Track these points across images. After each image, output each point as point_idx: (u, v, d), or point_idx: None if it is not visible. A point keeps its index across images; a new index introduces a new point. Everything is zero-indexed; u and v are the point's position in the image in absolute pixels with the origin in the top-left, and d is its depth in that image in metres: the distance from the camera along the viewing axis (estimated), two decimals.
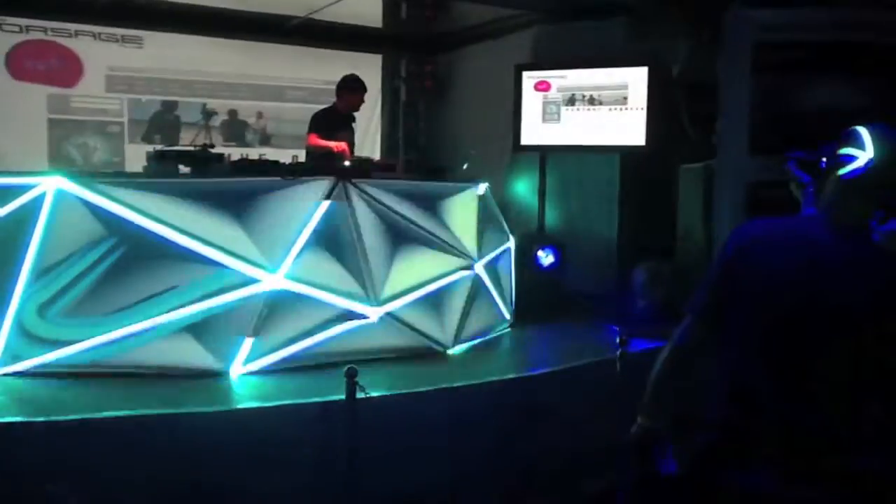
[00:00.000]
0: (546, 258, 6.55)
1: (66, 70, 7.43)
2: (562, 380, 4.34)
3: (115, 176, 4.38)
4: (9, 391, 3.89)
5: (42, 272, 4.12)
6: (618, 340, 4.00)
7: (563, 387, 4.32)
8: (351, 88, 6.10)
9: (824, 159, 2.00)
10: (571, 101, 6.82)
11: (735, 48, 5.84)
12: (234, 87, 8.08)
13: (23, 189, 4.23)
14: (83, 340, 4.10)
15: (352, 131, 6.20)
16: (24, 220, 4.17)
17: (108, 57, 7.57)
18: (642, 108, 6.57)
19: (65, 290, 4.12)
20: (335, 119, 6.06)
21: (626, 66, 6.64)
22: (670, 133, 6.59)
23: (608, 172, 7.01)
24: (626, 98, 6.65)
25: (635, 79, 6.61)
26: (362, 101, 6.19)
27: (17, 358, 4.09)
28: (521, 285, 6.05)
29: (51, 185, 4.19)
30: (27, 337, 4.10)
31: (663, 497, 2.20)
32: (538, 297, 6.28)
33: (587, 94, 6.78)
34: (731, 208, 5.90)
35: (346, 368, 3.33)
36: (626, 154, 6.83)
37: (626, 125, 6.65)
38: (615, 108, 6.70)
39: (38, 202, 4.18)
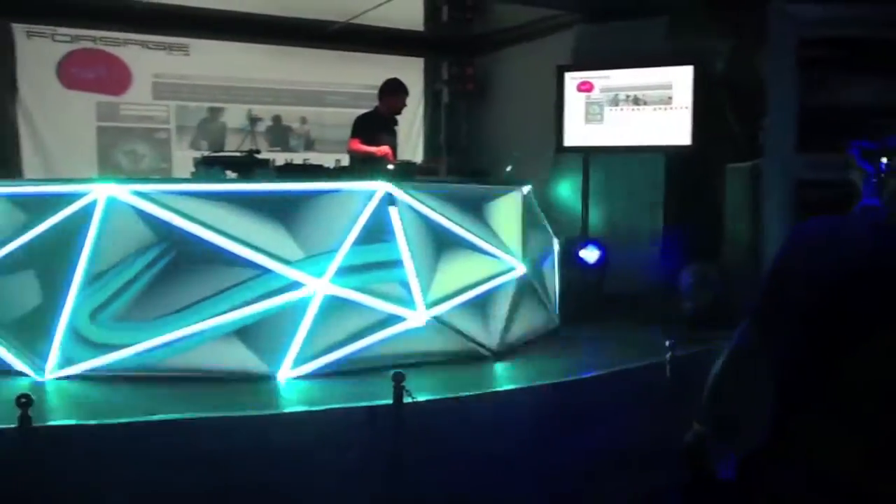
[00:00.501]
0: (590, 255, 6.49)
1: (114, 78, 7.57)
2: (610, 383, 4.28)
3: (163, 182, 4.42)
4: (62, 394, 3.98)
5: (94, 278, 4.20)
6: (667, 344, 3.95)
7: (611, 391, 4.27)
8: (392, 91, 6.12)
9: (884, 161, 1.94)
10: (615, 102, 6.76)
11: (779, 45, 5.73)
12: (277, 93, 8.17)
13: (75, 196, 4.33)
14: (134, 345, 4.17)
15: (394, 134, 6.22)
16: (76, 226, 4.27)
17: (155, 65, 7.70)
18: (687, 108, 6.49)
19: (116, 296, 4.20)
20: (377, 123, 6.08)
21: (670, 65, 6.56)
22: (716, 132, 6.50)
23: (653, 173, 6.93)
24: (670, 97, 6.57)
25: (680, 78, 6.53)
26: (404, 104, 6.20)
27: (70, 362, 4.17)
28: (566, 287, 6.00)
29: (102, 192, 4.28)
30: (80, 341, 4.18)
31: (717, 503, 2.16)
32: (583, 300, 6.24)
33: (631, 94, 6.71)
34: (779, 208, 5.79)
35: (392, 373, 3.33)
36: (671, 154, 6.74)
37: (671, 125, 6.57)
38: (660, 108, 6.62)
39: (89, 209, 4.27)
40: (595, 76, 6.83)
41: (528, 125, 7.80)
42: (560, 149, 7.08)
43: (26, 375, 4.20)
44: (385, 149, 5.77)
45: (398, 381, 3.29)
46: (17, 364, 4.26)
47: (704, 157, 6.52)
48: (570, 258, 6.51)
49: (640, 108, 6.70)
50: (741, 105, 6.48)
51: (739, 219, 6.27)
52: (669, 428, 3.91)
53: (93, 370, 4.16)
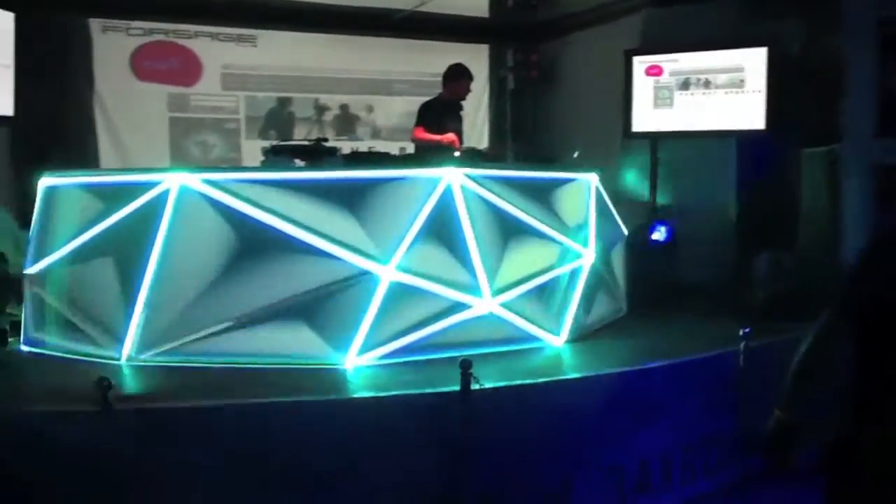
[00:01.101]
0: (659, 234, 6.40)
1: (186, 70, 7.73)
2: (679, 373, 4.20)
3: (233, 171, 4.49)
4: (138, 378, 4.08)
5: (167, 265, 4.29)
6: (741, 333, 3.85)
7: (681, 380, 4.18)
8: (456, 77, 6.08)
9: None
10: (685, 86, 6.62)
11: (857, 25, 5.52)
12: (344, 82, 8.23)
13: (149, 186, 4.43)
14: (205, 330, 4.24)
15: (460, 120, 6.19)
16: (150, 214, 4.36)
17: (224, 56, 7.83)
18: (760, 91, 6.32)
19: (188, 282, 4.29)
20: (442, 109, 6.06)
21: (742, 47, 6.39)
22: (790, 116, 6.30)
23: (725, 158, 6.77)
24: (742, 81, 6.40)
25: (753, 60, 6.35)
26: (468, 89, 6.16)
27: (145, 346, 4.28)
28: (635, 276, 5.91)
29: (175, 181, 4.37)
30: (154, 327, 4.28)
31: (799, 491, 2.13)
32: (652, 288, 6.13)
33: (702, 77, 6.56)
34: (859, 193, 5.60)
35: (460, 360, 3.32)
36: (743, 139, 6.57)
37: (744, 109, 6.40)
38: (731, 92, 6.47)
39: (163, 197, 4.36)
40: (664, 60, 6.69)
41: (594, 111, 7.70)
42: (628, 134, 6.96)
43: (104, 359, 4.33)
44: (450, 136, 5.75)
45: (465, 368, 3.29)
46: (95, 348, 4.39)
47: (778, 141, 6.34)
48: (638, 245, 6.41)
49: (710, 91, 6.55)
50: (817, 88, 6.26)
51: (816, 205, 6.08)
52: (742, 419, 3.86)
53: (165, 355, 4.26)
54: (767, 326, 4.60)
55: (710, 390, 4.12)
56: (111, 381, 2.99)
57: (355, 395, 3.83)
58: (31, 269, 4.71)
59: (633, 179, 7.31)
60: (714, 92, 6.54)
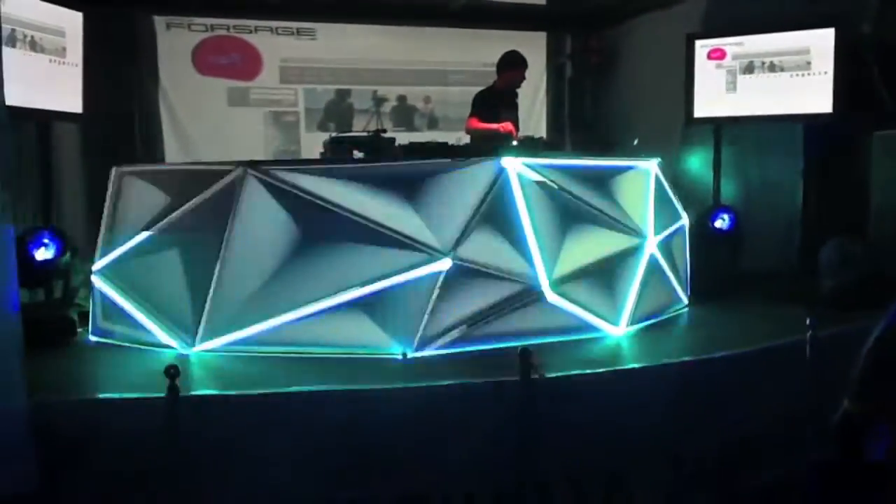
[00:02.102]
0: (723, 222, 6.28)
1: (246, 64, 7.85)
2: (743, 363, 4.11)
3: (294, 163, 4.56)
4: (205, 367, 4.18)
5: (231, 256, 4.38)
6: (808, 322, 3.76)
7: (745, 370, 4.10)
8: (510, 65, 6.04)
9: None
10: (749, 69, 6.47)
11: None
12: (401, 74, 8.25)
13: (215, 178, 4.52)
14: (268, 320, 4.32)
15: (515, 109, 6.13)
16: (216, 207, 4.45)
17: (283, 50, 7.93)
18: (828, 73, 6.13)
19: (253, 273, 4.37)
20: (497, 98, 6.02)
21: (809, 28, 6.21)
22: (860, 99, 6.11)
23: (790, 143, 6.60)
24: (809, 63, 6.23)
25: (820, 41, 6.17)
26: (523, 77, 6.11)
27: (212, 336, 4.37)
28: (697, 264, 5.81)
29: (239, 173, 4.45)
30: (220, 316, 4.36)
31: (865, 485, 2.06)
32: (715, 277, 6.03)
33: (766, 60, 6.40)
34: None
35: (520, 349, 3.32)
36: (810, 123, 6.39)
37: (810, 91, 6.23)
38: (797, 74, 6.30)
39: (228, 190, 4.44)
40: (727, 43, 6.55)
41: (655, 97, 7.58)
42: (690, 120, 6.84)
43: (172, 348, 4.44)
44: (507, 125, 5.72)
45: (526, 357, 3.28)
46: (165, 337, 4.51)
47: (847, 125, 6.15)
48: (701, 233, 6.31)
49: (776, 74, 6.38)
50: (889, 69, 6.06)
51: (887, 191, 5.88)
52: (807, 410, 3.76)
53: (232, 344, 4.35)
54: (835, 315, 4.49)
55: (777, 380, 4.03)
56: (178, 369, 3.07)
57: (415, 384, 3.84)
58: (101, 260, 4.85)
59: (696, 167, 7.18)
60: (779, 75, 6.37)
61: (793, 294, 5.58)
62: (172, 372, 3.02)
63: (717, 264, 6.23)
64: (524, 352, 3.29)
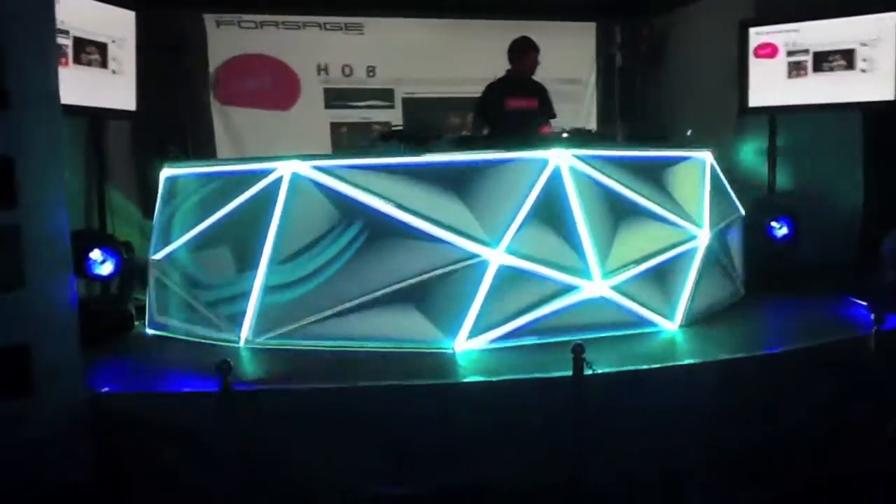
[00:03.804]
0: (780, 230, 6.09)
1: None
2: (803, 359, 4.00)
3: (343, 157, 4.56)
4: (256, 360, 4.22)
5: (280, 251, 4.40)
6: (872, 317, 3.63)
7: (804, 367, 3.98)
8: (518, 51, 5.95)
9: None
10: (807, 57, 6.27)
11: None
12: (449, 67, 8.16)
13: (262, 174, 4.55)
14: (318, 314, 4.33)
15: (534, 95, 5.98)
16: (264, 202, 4.49)
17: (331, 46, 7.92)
18: (890, 59, 5.92)
19: (301, 267, 4.39)
20: (505, 87, 5.90)
21: (869, 13, 6.00)
22: None
23: (849, 132, 6.40)
24: (870, 49, 6.02)
25: (882, 26, 5.95)
26: (536, 62, 5.99)
27: (261, 330, 4.42)
28: (753, 257, 5.67)
29: (287, 169, 4.47)
30: (271, 311, 4.40)
31: None
32: (772, 270, 5.87)
33: (823, 47, 6.21)
34: None
35: (573, 345, 3.27)
36: (869, 111, 6.18)
37: (871, 79, 6.02)
38: (856, 61, 6.09)
39: (276, 185, 4.48)
40: (782, 30, 6.36)
41: (708, 86, 7.41)
42: (744, 110, 6.67)
43: (224, 342, 4.49)
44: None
45: (578, 353, 3.23)
46: (217, 331, 4.56)
47: None
48: (757, 227, 6.15)
49: (833, 62, 6.19)
50: None
51: None
52: (871, 409, 3.64)
53: (283, 338, 4.37)
54: None
55: (837, 377, 3.91)
56: (230, 364, 3.09)
57: (465, 380, 3.82)
58: (155, 256, 4.93)
59: (751, 157, 7.00)
60: (837, 62, 6.17)
61: (853, 288, 5.41)
62: (224, 367, 3.04)
63: (774, 257, 6.07)
64: (576, 347, 3.24)
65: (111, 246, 4.99)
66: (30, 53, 3.45)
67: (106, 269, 4.93)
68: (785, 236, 6.10)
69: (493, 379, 3.68)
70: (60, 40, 4.96)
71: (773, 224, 6.08)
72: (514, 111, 5.75)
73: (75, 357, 3.55)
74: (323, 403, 3.51)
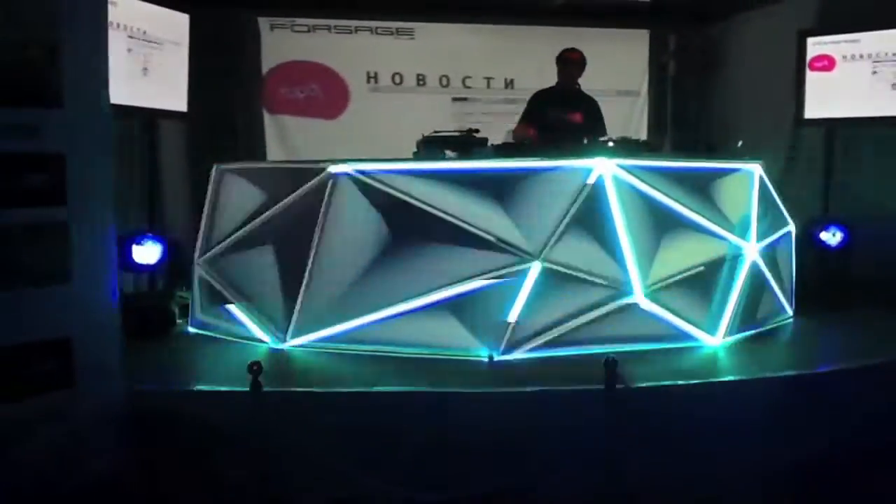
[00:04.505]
0: (832, 238, 5.92)
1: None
2: (850, 379, 3.87)
3: (386, 162, 4.57)
4: (295, 362, 4.25)
5: (324, 254, 4.43)
6: None
7: (852, 388, 3.85)
8: (563, 61, 5.86)
9: None
10: (865, 67, 6.10)
11: None
12: (500, 72, 8.14)
13: (308, 176, 4.58)
14: (356, 319, 4.35)
15: (574, 107, 5.85)
16: (310, 204, 4.51)
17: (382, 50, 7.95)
18: None
19: (342, 272, 4.40)
20: (549, 97, 5.82)
21: None
22: None
23: None
24: None
25: None
26: (573, 74, 5.88)
27: (302, 332, 4.44)
28: (804, 273, 5.51)
29: (333, 171, 4.48)
30: (311, 313, 4.43)
31: None
32: (825, 286, 5.72)
33: (884, 57, 6.02)
34: None
35: (605, 358, 3.21)
36: None
37: None
38: None
39: (321, 188, 4.49)
40: (842, 40, 6.19)
41: (764, 97, 7.24)
42: (800, 122, 6.51)
43: (265, 342, 4.53)
44: (531, 131, 5.49)
45: (611, 367, 3.17)
46: (258, 331, 4.62)
47: None
48: (809, 241, 5.99)
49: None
50: None
51: None
52: None
53: (322, 340, 4.40)
54: None
55: (885, 399, 3.78)
56: (261, 365, 3.11)
57: (500, 390, 3.79)
58: (200, 255, 5.00)
59: (806, 170, 6.83)
60: None
61: None
62: (255, 369, 3.07)
63: (827, 272, 5.90)
64: (609, 361, 3.19)
65: (159, 234, 5.13)
66: (82, 53, 3.52)
67: (152, 256, 5.07)
68: (839, 244, 5.94)
69: (527, 389, 3.64)
70: (116, 41, 5.07)
71: (823, 235, 5.92)
72: (554, 121, 5.66)
73: (116, 352, 3.60)
74: (355, 407, 3.52)
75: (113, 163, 3.61)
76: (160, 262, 5.14)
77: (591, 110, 5.95)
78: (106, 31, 3.77)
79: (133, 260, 5.04)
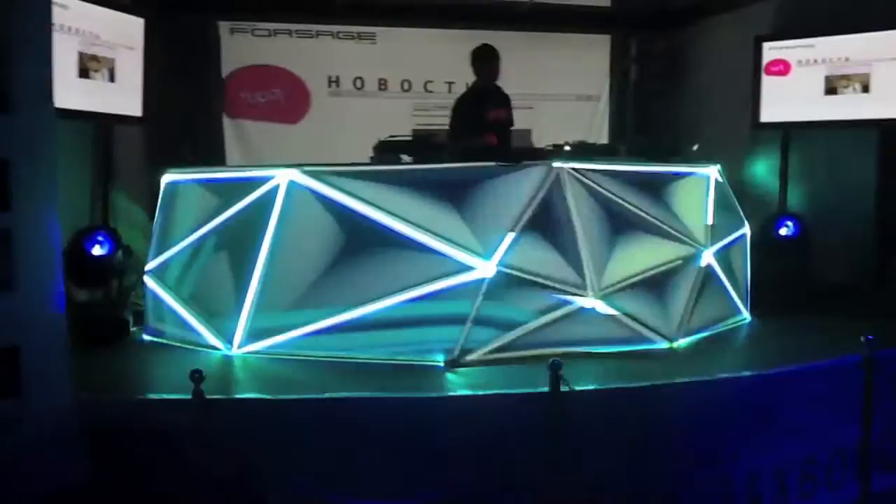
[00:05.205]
0: (787, 230, 6.05)
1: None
2: (797, 380, 3.90)
3: (341, 166, 4.56)
4: (247, 369, 4.21)
5: (276, 260, 4.40)
6: (862, 339, 3.55)
7: (799, 389, 3.89)
8: (486, 59, 5.81)
9: None
10: (819, 73, 6.19)
11: None
12: (463, 77, 8.13)
13: (260, 182, 4.56)
14: (310, 325, 4.32)
15: (504, 103, 5.87)
16: (261, 210, 4.48)
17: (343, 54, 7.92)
18: None
19: (295, 277, 4.38)
20: (480, 98, 5.79)
21: (883, 29, 5.91)
22: None
23: (864, 149, 6.29)
24: (886, 65, 5.92)
25: (893, 42, 5.87)
26: (498, 69, 5.83)
27: (254, 339, 4.41)
28: (762, 275, 5.57)
29: (284, 177, 4.47)
30: (263, 320, 4.39)
31: None
32: (781, 288, 5.78)
33: (837, 63, 6.12)
34: None
35: (550, 361, 3.22)
36: (886, 129, 6.07)
37: (888, 96, 5.92)
38: (874, 78, 5.99)
39: (272, 193, 4.47)
40: (794, 46, 6.29)
41: (723, 102, 7.33)
42: (756, 126, 6.60)
43: (217, 350, 4.49)
44: (491, 138, 5.46)
45: (555, 369, 3.18)
46: (211, 339, 4.57)
47: None
48: (766, 242, 6.07)
49: (848, 78, 6.10)
50: None
51: None
52: (867, 431, 3.55)
53: (273, 348, 4.37)
54: None
55: (831, 401, 3.82)
56: (202, 373, 3.08)
57: (452, 394, 3.79)
58: (153, 262, 4.95)
59: (763, 174, 6.91)
60: (851, 79, 6.08)
61: (863, 307, 5.31)
62: (197, 377, 3.04)
63: (783, 275, 5.97)
64: (554, 363, 3.19)
65: (108, 233, 5.21)
66: (27, 57, 3.47)
67: (101, 250, 5.18)
68: (791, 234, 6.05)
69: (477, 393, 3.64)
70: (68, 46, 5.02)
71: (782, 231, 6.05)
72: (494, 122, 5.66)
73: (63, 360, 3.55)
74: (302, 414, 3.49)
75: (63, 168, 3.57)
76: (106, 255, 5.16)
77: (509, 104, 5.93)
78: (51, 35, 3.72)
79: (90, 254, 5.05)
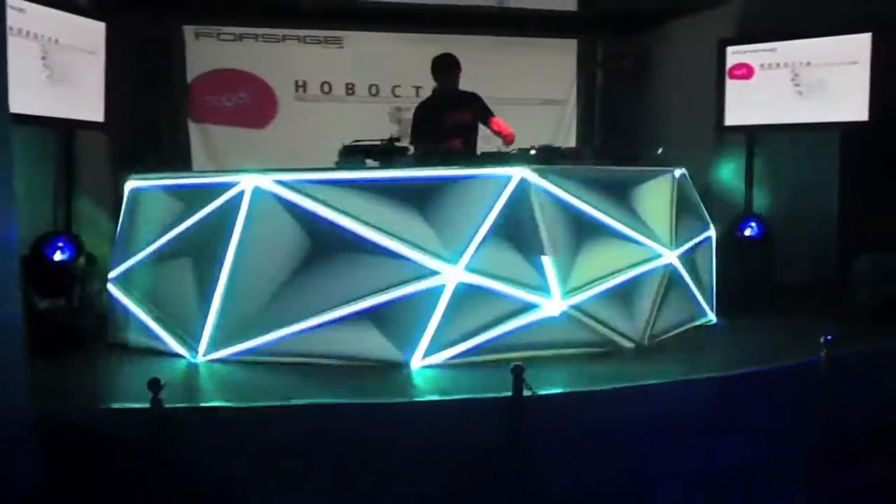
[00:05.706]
0: (751, 230, 6.14)
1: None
2: (757, 382, 3.94)
3: (305, 171, 4.53)
4: (212, 376, 4.17)
5: (241, 266, 4.36)
6: (822, 340, 3.59)
7: (758, 390, 3.93)
8: (446, 67, 5.86)
9: None
10: (782, 76, 6.27)
11: None
12: (428, 81, 8.13)
13: (224, 188, 4.52)
14: (276, 331, 4.29)
15: (465, 107, 5.89)
16: (226, 215, 4.45)
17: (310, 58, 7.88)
18: (865, 79, 5.91)
19: (260, 283, 4.34)
20: (438, 104, 5.84)
21: (846, 33, 6.00)
22: None
23: (826, 152, 6.39)
24: (845, 69, 6.01)
25: (857, 47, 5.96)
26: (458, 75, 5.90)
27: (219, 345, 4.37)
28: (727, 276, 5.61)
29: (248, 182, 4.44)
30: (228, 326, 4.36)
31: None
32: (745, 290, 5.83)
33: (800, 67, 6.20)
34: None
35: (512, 365, 3.22)
36: (846, 131, 6.17)
37: (848, 99, 6.01)
38: (833, 81, 6.08)
39: (237, 199, 4.44)
40: (758, 49, 6.36)
41: (689, 105, 7.38)
42: (721, 129, 6.66)
43: (181, 357, 4.44)
44: (455, 143, 5.50)
45: (518, 373, 3.18)
46: (175, 346, 4.52)
47: (887, 134, 5.93)
48: (731, 244, 6.12)
49: (810, 82, 6.18)
50: None
51: None
52: (826, 433, 3.59)
53: (239, 354, 4.33)
54: (869, 329, 4.29)
55: (791, 402, 3.86)
56: (160, 382, 3.04)
57: (418, 399, 3.77)
58: (116, 269, 4.88)
59: (729, 176, 6.98)
60: (814, 82, 6.17)
61: (825, 307, 5.38)
62: (156, 385, 3.00)
63: (747, 276, 6.03)
64: (516, 368, 3.20)
65: (69, 238, 5.20)
66: None
67: (62, 256, 5.15)
68: (755, 234, 6.12)
69: (441, 398, 3.64)
70: (26, 50, 4.95)
71: (747, 231, 6.12)
72: (452, 126, 5.69)
73: (19, 368, 3.49)
74: (266, 422, 3.46)
75: (25, 174, 3.51)
76: (66, 260, 5.12)
77: (476, 105, 5.95)
78: (5, 38, 3.66)
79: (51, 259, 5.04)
